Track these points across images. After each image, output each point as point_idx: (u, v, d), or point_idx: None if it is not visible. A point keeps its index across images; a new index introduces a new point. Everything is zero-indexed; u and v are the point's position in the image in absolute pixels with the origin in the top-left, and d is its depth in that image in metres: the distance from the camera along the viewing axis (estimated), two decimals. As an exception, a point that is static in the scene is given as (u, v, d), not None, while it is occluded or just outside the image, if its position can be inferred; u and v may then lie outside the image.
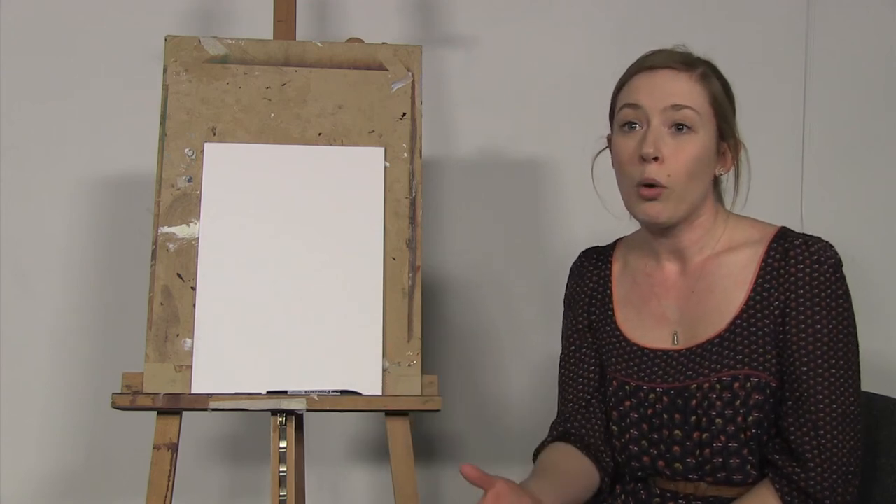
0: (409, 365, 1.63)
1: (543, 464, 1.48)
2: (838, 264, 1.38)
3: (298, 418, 1.70)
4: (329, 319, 1.63)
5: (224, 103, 1.69)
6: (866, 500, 1.45)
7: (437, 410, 1.62)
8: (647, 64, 1.42)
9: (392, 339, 1.63)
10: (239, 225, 1.65)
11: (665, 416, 1.42)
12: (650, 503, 1.44)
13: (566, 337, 1.58)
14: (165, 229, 1.64)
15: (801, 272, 1.37)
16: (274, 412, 1.59)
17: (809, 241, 1.38)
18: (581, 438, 1.50)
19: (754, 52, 2.23)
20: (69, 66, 2.10)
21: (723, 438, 1.37)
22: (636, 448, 1.44)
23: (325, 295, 1.64)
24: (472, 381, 2.20)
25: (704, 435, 1.38)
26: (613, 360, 1.49)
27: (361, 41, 1.76)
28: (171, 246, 1.64)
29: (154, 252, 1.63)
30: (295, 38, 1.79)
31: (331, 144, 1.70)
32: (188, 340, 1.60)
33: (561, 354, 1.58)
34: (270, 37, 1.79)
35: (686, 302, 1.45)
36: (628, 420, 1.45)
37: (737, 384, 1.37)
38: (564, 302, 1.62)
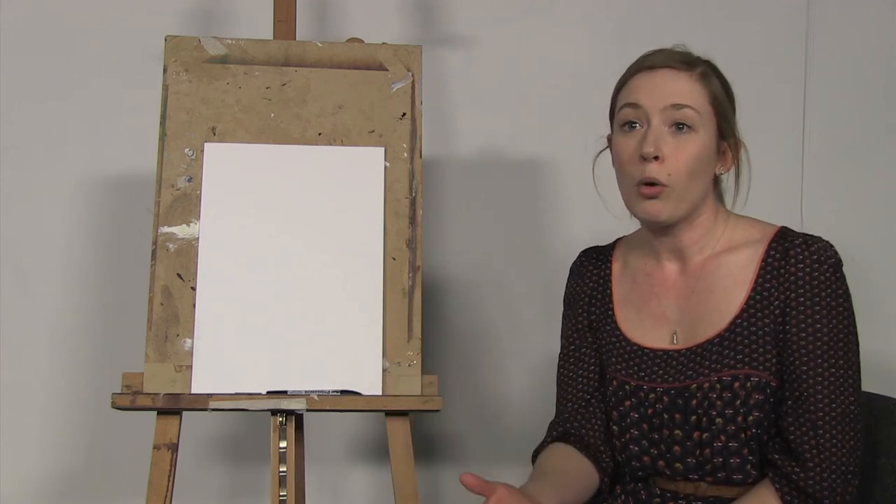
0: (409, 365, 1.63)
1: (543, 466, 1.48)
2: (838, 264, 1.38)
3: (298, 418, 1.70)
4: (329, 319, 1.63)
5: (224, 103, 1.69)
6: (866, 500, 1.45)
7: (437, 410, 1.62)
8: (647, 63, 1.42)
9: (392, 339, 1.63)
10: (239, 225, 1.65)
11: (665, 415, 1.42)
12: (650, 503, 1.44)
13: (565, 336, 1.58)
14: (165, 229, 1.64)
15: (801, 272, 1.37)
16: (274, 412, 1.58)
17: (809, 241, 1.38)
18: (580, 438, 1.50)
19: (754, 52, 2.23)
20: (69, 66, 2.10)
21: (723, 438, 1.37)
22: (636, 448, 1.44)
23: (325, 295, 1.64)
24: (472, 381, 2.20)
25: (704, 435, 1.38)
26: (613, 359, 1.49)
27: (361, 41, 1.76)
28: (171, 246, 1.64)
29: (154, 252, 1.63)
30: (295, 38, 1.79)
31: (331, 144, 1.70)
32: (188, 340, 1.60)
33: (560, 354, 1.58)
34: (270, 37, 1.78)
35: (686, 302, 1.45)
36: (628, 420, 1.45)
37: (737, 384, 1.37)
38: (564, 301, 1.62)
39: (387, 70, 1.73)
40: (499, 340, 2.21)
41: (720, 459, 1.38)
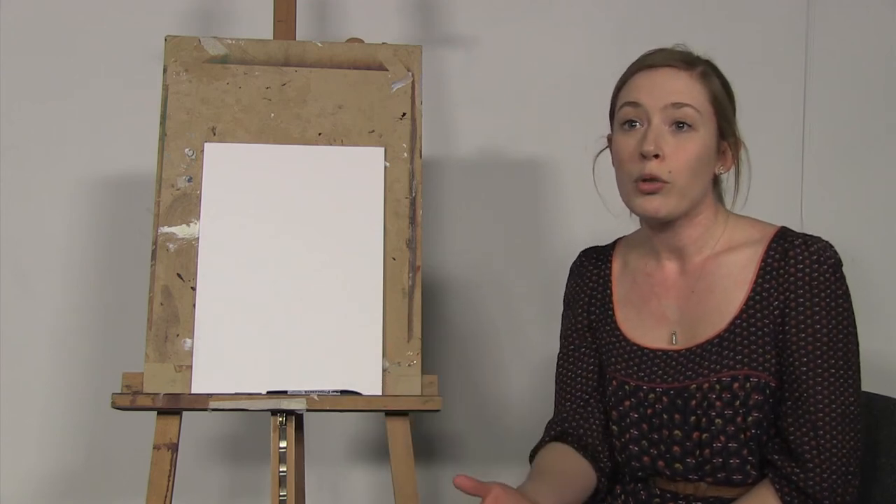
0: (409, 365, 1.63)
1: (540, 465, 1.48)
2: (838, 264, 1.38)
3: (298, 418, 1.70)
4: (329, 319, 1.63)
5: (224, 103, 1.69)
6: (866, 500, 1.45)
7: (437, 410, 1.62)
8: (648, 62, 1.42)
9: (392, 339, 1.63)
10: (239, 225, 1.65)
11: (665, 416, 1.42)
12: (650, 503, 1.44)
13: (565, 336, 1.58)
14: (165, 229, 1.64)
15: (801, 272, 1.37)
16: (274, 412, 1.58)
17: (809, 241, 1.38)
18: (579, 438, 1.50)
19: (754, 52, 2.23)
20: (69, 66, 2.10)
21: (722, 438, 1.37)
22: (636, 448, 1.44)
23: (325, 295, 1.64)
24: (472, 381, 2.20)
25: (704, 435, 1.38)
26: (613, 359, 1.49)
27: (361, 41, 1.76)
28: (171, 246, 1.64)
29: (154, 252, 1.63)
30: (295, 38, 1.79)
31: (331, 144, 1.70)
32: (188, 340, 1.60)
33: (559, 354, 1.59)
34: (270, 37, 1.78)
35: (686, 302, 1.45)
36: (628, 420, 1.45)
37: (736, 384, 1.37)
38: (564, 301, 1.62)
39: (387, 70, 1.73)
40: (499, 340, 2.20)
41: (720, 460, 1.38)
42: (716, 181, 1.47)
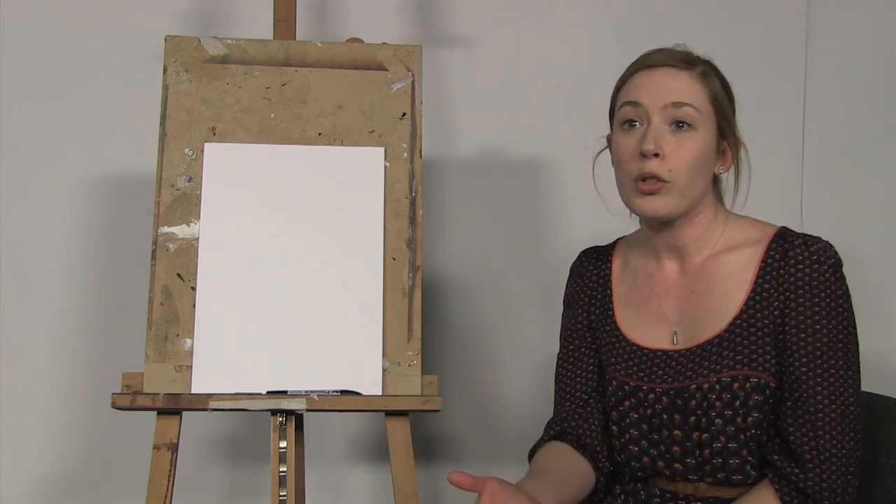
0: (409, 365, 1.63)
1: (539, 464, 1.48)
2: (838, 264, 1.38)
3: (298, 418, 1.70)
4: (329, 319, 1.63)
5: (224, 103, 1.69)
6: (866, 500, 1.45)
7: (437, 410, 1.62)
8: (647, 62, 1.42)
9: (392, 339, 1.63)
10: (239, 225, 1.65)
11: (665, 416, 1.42)
12: (650, 503, 1.44)
13: (565, 337, 1.58)
14: (165, 229, 1.64)
15: (801, 272, 1.37)
16: (274, 412, 1.58)
17: (809, 241, 1.38)
18: (577, 438, 1.50)
19: (754, 52, 2.23)
20: (69, 66, 2.10)
21: (722, 439, 1.37)
22: (636, 448, 1.44)
23: (325, 295, 1.64)
24: (472, 381, 2.20)
25: (704, 435, 1.38)
26: (613, 359, 1.49)
27: (361, 41, 1.76)
28: (171, 246, 1.64)
29: (154, 252, 1.63)
30: (295, 38, 1.79)
31: (331, 144, 1.70)
32: (188, 340, 1.60)
33: (559, 354, 1.58)
34: (270, 37, 1.79)
35: (686, 302, 1.45)
36: (628, 420, 1.45)
37: (736, 385, 1.37)
38: (564, 301, 1.62)
39: (387, 70, 1.73)
40: (499, 340, 2.20)
41: (719, 460, 1.38)
42: (715, 181, 1.47)
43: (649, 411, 1.43)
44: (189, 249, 1.64)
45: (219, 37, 1.73)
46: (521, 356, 2.19)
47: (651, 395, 1.43)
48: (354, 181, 1.68)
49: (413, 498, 1.59)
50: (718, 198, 1.48)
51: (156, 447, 1.57)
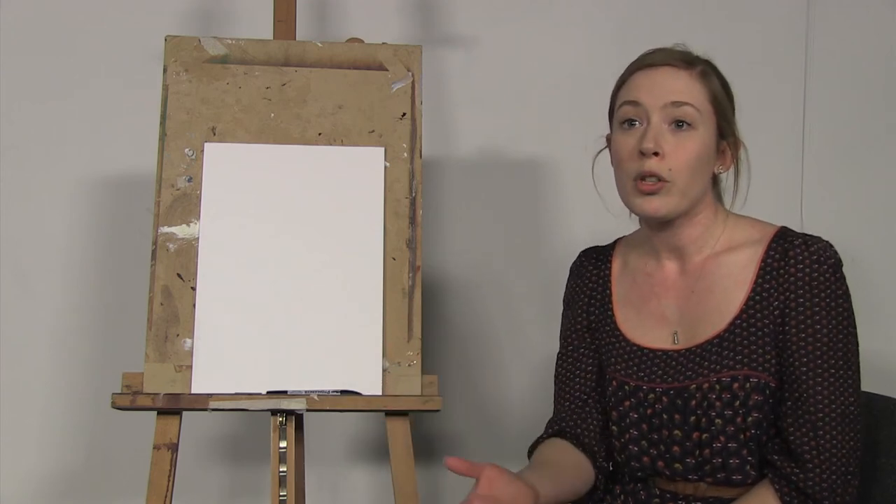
0: (409, 365, 1.63)
1: (538, 458, 1.48)
2: (838, 264, 1.38)
3: (298, 418, 1.70)
4: (329, 319, 1.63)
5: (224, 103, 1.69)
6: (866, 500, 1.45)
7: (437, 410, 1.62)
8: (647, 61, 1.42)
9: (392, 339, 1.63)
10: (239, 225, 1.65)
11: (665, 416, 1.42)
12: (650, 503, 1.44)
13: (564, 336, 1.58)
14: (165, 229, 1.64)
15: (801, 272, 1.37)
16: (274, 412, 1.59)
17: (809, 241, 1.38)
18: (576, 437, 1.50)
19: (754, 52, 2.23)
20: (69, 66, 2.10)
21: (722, 439, 1.37)
22: (636, 448, 1.44)
23: (325, 295, 1.64)
24: (472, 381, 2.20)
25: (704, 435, 1.38)
26: (613, 359, 1.49)
27: (361, 41, 1.76)
28: (171, 246, 1.64)
29: (154, 252, 1.63)
30: (295, 38, 1.79)
31: (331, 144, 1.70)
32: (188, 340, 1.60)
33: (558, 354, 1.58)
34: (270, 37, 1.79)
35: (686, 302, 1.45)
36: (628, 420, 1.45)
37: (736, 385, 1.37)
38: (563, 301, 1.62)
39: (387, 70, 1.73)
40: (499, 340, 2.21)
41: (719, 460, 1.38)
42: (715, 181, 1.47)
43: (649, 411, 1.43)
44: (189, 249, 1.64)
45: (219, 37, 1.73)
46: (521, 356, 2.19)
47: (651, 395, 1.43)
48: (354, 181, 1.68)
49: (413, 498, 1.59)
50: (718, 198, 1.48)
51: (156, 447, 1.57)
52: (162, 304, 1.61)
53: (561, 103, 2.19)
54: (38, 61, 2.10)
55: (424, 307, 1.67)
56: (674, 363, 1.43)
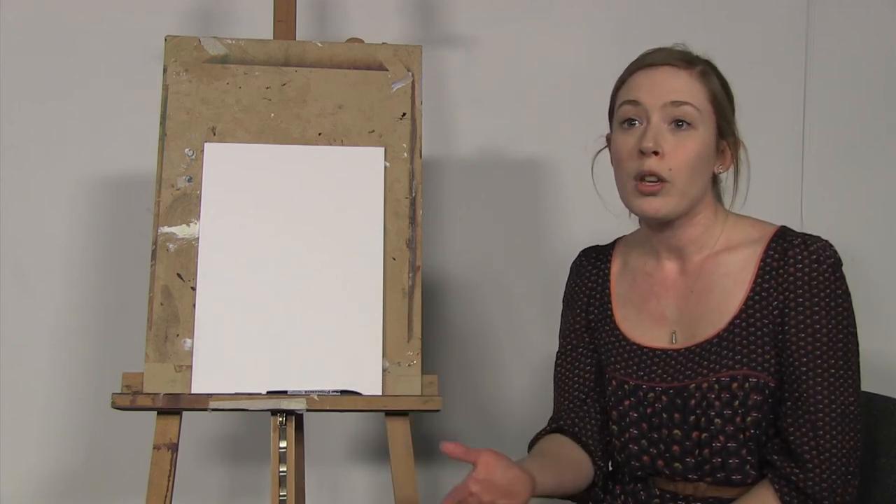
0: (409, 365, 1.63)
1: (538, 449, 1.49)
2: (837, 264, 1.38)
3: (298, 418, 1.70)
4: (329, 319, 1.63)
5: (224, 103, 1.69)
6: (866, 500, 1.45)
7: (437, 410, 1.62)
8: (647, 61, 1.42)
9: (392, 339, 1.63)
10: (239, 225, 1.65)
11: (664, 415, 1.42)
12: (650, 503, 1.44)
13: (563, 336, 1.59)
14: (165, 229, 1.64)
15: (800, 272, 1.37)
16: (274, 412, 1.59)
17: (808, 241, 1.38)
18: (575, 435, 1.51)
19: (754, 52, 2.23)
20: (69, 66, 2.10)
21: (722, 438, 1.37)
22: (636, 447, 1.44)
23: (325, 295, 1.64)
24: (472, 381, 2.20)
25: (703, 435, 1.38)
26: (612, 359, 1.49)
27: (361, 41, 1.76)
28: (171, 246, 1.64)
29: (154, 252, 1.63)
30: (295, 38, 1.79)
31: (331, 144, 1.70)
32: (188, 340, 1.60)
33: (558, 353, 1.59)
34: (270, 37, 1.79)
35: (685, 301, 1.45)
36: (627, 419, 1.45)
37: (735, 384, 1.37)
38: (563, 301, 1.62)
39: (387, 70, 1.73)
40: (499, 340, 2.20)
41: (719, 460, 1.38)
42: (715, 181, 1.47)
43: (649, 410, 1.43)
44: (189, 249, 1.64)
45: (219, 37, 1.73)
46: (521, 356, 2.19)
47: (650, 395, 1.43)
48: (354, 181, 1.68)
49: (413, 498, 1.59)
50: (718, 197, 1.48)
51: (156, 447, 1.57)
52: (162, 304, 1.61)
53: (561, 103, 2.19)
54: (38, 61, 2.10)
55: (424, 307, 1.67)
56: (673, 362, 1.43)
